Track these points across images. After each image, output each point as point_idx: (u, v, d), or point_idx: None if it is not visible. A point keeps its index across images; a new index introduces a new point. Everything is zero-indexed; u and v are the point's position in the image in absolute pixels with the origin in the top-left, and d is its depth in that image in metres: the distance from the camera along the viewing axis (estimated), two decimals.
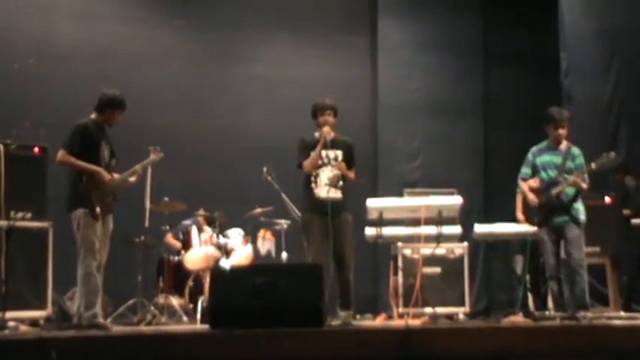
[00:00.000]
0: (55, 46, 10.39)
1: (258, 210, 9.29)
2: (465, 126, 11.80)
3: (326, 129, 7.42)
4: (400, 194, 9.73)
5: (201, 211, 9.29)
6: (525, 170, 7.90)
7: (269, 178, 8.92)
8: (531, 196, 7.73)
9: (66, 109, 9.77)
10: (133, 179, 7.30)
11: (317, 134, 7.54)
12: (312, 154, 7.40)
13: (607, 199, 8.94)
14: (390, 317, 8.62)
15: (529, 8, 11.58)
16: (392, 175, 11.40)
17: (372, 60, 11.92)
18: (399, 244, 8.74)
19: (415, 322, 7.65)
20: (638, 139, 9.36)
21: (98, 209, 6.80)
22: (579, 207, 7.60)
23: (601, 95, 9.76)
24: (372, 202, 8.11)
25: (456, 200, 8.22)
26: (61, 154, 6.88)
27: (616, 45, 9.66)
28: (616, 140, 9.48)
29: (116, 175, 7.20)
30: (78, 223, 6.81)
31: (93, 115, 7.11)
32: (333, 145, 7.43)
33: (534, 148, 7.90)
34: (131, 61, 10.57)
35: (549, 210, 7.60)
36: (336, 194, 7.38)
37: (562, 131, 7.70)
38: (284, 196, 8.92)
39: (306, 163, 7.41)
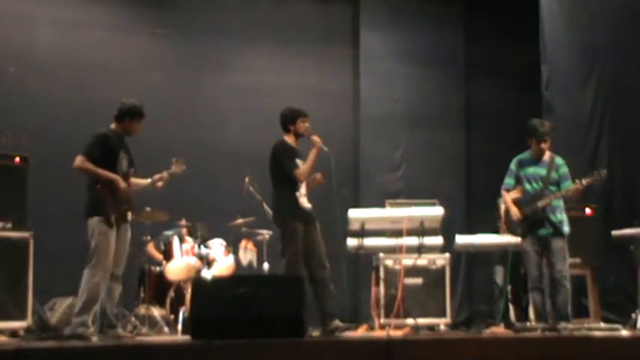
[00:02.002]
0: (37, 55, 10.34)
1: (240, 220, 9.27)
2: (446, 137, 11.84)
3: (319, 139, 7.38)
4: (382, 205, 9.73)
5: (183, 222, 9.25)
6: (509, 181, 7.91)
7: (250, 188, 8.91)
8: (514, 210, 7.74)
9: (47, 119, 9.78)
10: (160, 184, 7.49)
11: (290, 140, 7.50)
12: (307, 164, 7.34)
13: (587, 211, 8.99)
14: (371, 328, 8.59)
15: (511, 20, 11.62)
16: (374, 186, 11.40)
17: (353, 70, 11.93)
18: (381, 254, 8.72)
19: (396, 333, 7.65)
20: (618, 151, 9.41)
21: (113, 217, 6.81)
22: (563, 218, 7.62)
23: (582, 107, 9.80)
24: (354, 213, 8.15)
25: (438, 211, 8.26)
26: (79, 159, 6.89)
27: (597, 57, 9.71)
28: (597, 153, 9.53)
29: (136, 181, 7.31)
30: (92, 231, 6.83)
31: (112, 125, 7.18)
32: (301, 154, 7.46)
33: (517, 159, 7.91)
34: (113, 70, 10.51)
35: (534, 222, 7.62)
36: (309, 204, 7.45)
37: (544, 145, 7.71)
38: (266, 206, 8.91)
39: (302, 173, 7.32)
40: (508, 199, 7.87)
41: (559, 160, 7.75)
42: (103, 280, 6.82)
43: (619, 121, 9.44)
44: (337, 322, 7.15)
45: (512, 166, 7.91)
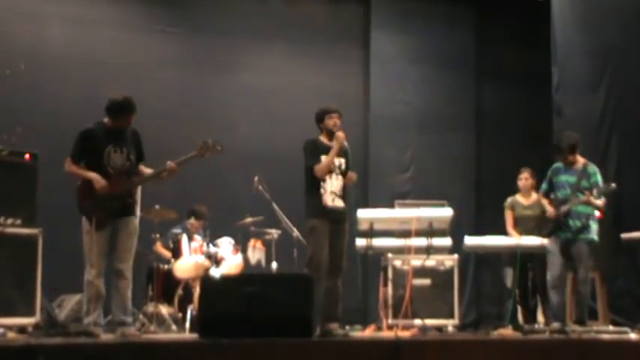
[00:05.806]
0: (48, 53, 10.37)
1: (249, 219, 9.28)
2: (456, 138, 11.84)
3: (342, 134, 7.26)
4: (391, 206, 9.72)
5: (192, 220, 9.25)
6: (544, 186, 8.18)
7: (260, 187, 8.92)
8: (550, 209, 7.96)
9: (58, 116, 9.79)
10: (164, 175, 7.08)
11: (323, 138, 7.40)
12: (326, 160, 7.19)
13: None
14: (379, 328, 8.60)
15: (522, 22, 11.64)
16: (383, 187, 11.40)
17: (364, 72, 11.94)
18: (390, 255, 8.72)
19: (404, 334, 7.64)
20: (628, 154, 9.39)
21: (94, 217, 6.75)
22: (592, 225, 7.80)
23: (592, 110, 9.79)
24: (363, 213, 8.15)
25: (447, 212, 8.25)
26: (66, 162, 6.92)
27: (607, 60, 9.70)
28: (606, 155, 9.51)
29: (148, 171, 7.11)
30: (81, 231, 6.83)
31: (105, 119, 7.02)
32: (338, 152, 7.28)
33: (554, 166, 8.08)
34: (123, 68, 10.51)
35: (558, 224, 7.82)
36: (340, 203, 7.26)
37: (572, 157, 7.90)
38: (274, 205, 8.92)
39: (319, 169, 7.16)
40: (544, 201, 8.13)
41: (592, 168, 7.90)
42: (97, 279, 6.77)
43: (629, 124, 9.43)
44: (334, 326, 7.03)
45: (549, 172, 8.11)
